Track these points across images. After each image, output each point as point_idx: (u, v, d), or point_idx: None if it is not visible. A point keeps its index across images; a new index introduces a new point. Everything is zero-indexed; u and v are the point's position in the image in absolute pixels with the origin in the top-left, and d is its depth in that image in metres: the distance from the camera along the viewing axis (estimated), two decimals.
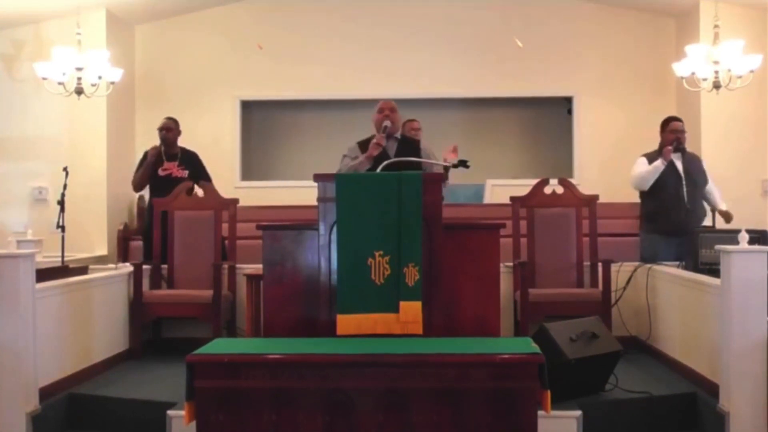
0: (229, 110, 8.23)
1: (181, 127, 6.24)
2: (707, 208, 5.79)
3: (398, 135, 4.53)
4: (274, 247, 3.43)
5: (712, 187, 5.77)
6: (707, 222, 5.82)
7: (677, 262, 5.17)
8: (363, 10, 8.13)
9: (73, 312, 4.47)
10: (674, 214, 5.53)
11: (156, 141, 6.12)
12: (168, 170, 6.05)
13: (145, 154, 6.14)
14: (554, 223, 5.41)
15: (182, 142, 6.31)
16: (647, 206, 5.74)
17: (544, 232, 5.39)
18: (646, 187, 5.63)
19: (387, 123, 4.38)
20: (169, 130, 6.10)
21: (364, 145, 4.42)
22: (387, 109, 4.46)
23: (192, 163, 6.10)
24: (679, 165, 5.59)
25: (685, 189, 5.55)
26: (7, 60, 7.43)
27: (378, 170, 3.89)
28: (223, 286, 5.27)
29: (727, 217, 5.74)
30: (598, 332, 4.05)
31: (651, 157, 5.66)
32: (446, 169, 4.10)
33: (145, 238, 6.17)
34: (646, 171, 5.60)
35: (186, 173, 5.99)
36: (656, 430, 3.94)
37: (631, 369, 4.46)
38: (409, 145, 4.50)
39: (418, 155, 4.34)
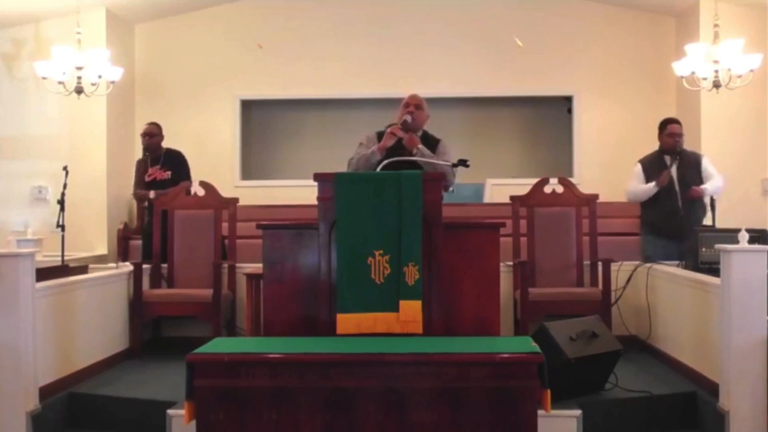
0: (229, 109, 8.22)
1: (182, 127, 6.27)
2: (707, 204, 5.82)
3: (420, 132, 4.40)
4: (274, 247, 3.42)
5: (710, 178, 5.74)
6: (707, 221, 5.84)
7: (677, 262, 5.18)
8: (363, 10, 8.13)
9: (73, 311, 4.47)
10: (671, 221, 5.61)
11: None
12: (152, 175, 6.19)
13: (138, 166, 6.37)
14: (554, 222, 5.41)
15: (182, 141, 6.32)
16: (645, 213, 5.86)
17: (544, 231, 5.39)
18: (639, 202, 5.84)
19: (407, 117, 4.28)
20: (152, 136, 6.19)
21: (381, 136, 4.31)
22: (412, 104, 4.38)
23: (174, 163, 6.16)
24: (674, 171, 5.63)
25: (678, 192, 5.60)
26: (7, 59, 7.43)
27: (378, 169, 3.89)
28: (223, 285, 5.28)
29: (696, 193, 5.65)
30: (598, 331, 4.05)
31: (646, 163, 5.74)
32: (454, 166, 4.08)
33: (145, 237, 6.20)
34: (641, 191, 5.75)
35: (168, 174, 6.07)
36: (656, 429, 3.95)
37: (631, 368, 4.46)
38: (428, 144, 4.37)
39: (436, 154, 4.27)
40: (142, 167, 6.35)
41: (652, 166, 5.71)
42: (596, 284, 5.22)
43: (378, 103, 7.94)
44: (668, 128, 5.73)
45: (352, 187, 3.29)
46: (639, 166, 5.81)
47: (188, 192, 5.61)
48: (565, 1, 8.08)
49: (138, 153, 7.03)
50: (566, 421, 3.65)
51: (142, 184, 6.30)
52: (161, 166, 6.14)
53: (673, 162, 5.64)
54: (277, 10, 8.15)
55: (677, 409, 4.02)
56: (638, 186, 5.76)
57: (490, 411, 2.82)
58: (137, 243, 6.74)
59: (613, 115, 8.02)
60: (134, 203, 7.55)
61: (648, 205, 5.78)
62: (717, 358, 3.86)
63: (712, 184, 5.70)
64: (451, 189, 4.23)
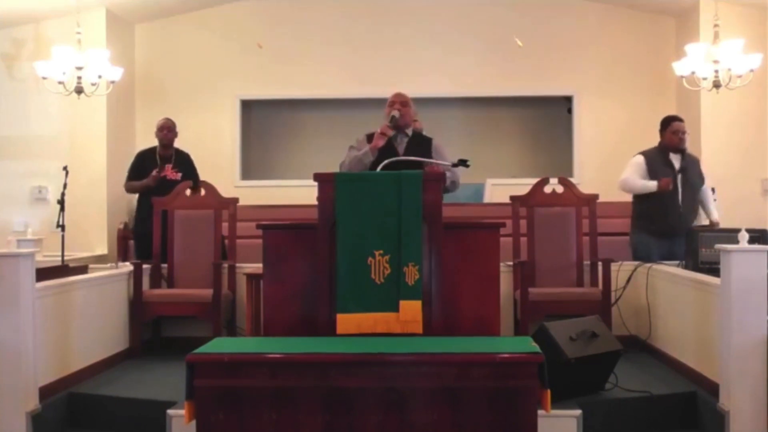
0: (229, 109, 8.23)
1: (182, 127, 6.25)
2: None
3: (409, 131, 4.41)
4: (274, 247, 3.42)
5: (708, 193, 5.76)
6: (706, 222, 5.83)
7: (677, 262, 5.18)
8: (363, 9, 8.14)
9: (73, 311, 4.47)
10: (669, 216, 5.51)
11: (154, 141, 6.16)
12: (164, 174, 6.05)
13: (140, 158, 6.17)
14: (554, 222, 5.41)
15: (183, 140, 6.31)
16: (641, 206, 5.69)
17: (544, 231, 5.39)
18: (631, 193, 5.72)
19: (395, 113, 4.27)
20: (170, 130, 6.14)
21: (372, 138, 4.31)
22: (398, 102, 4.37)
23: (185, 164, 6.12)
24: (677, 166, 5.57)
25: (680, 191, 5.52)
26: (8, 59, 7.43)
27: (379, 169, 3.88)
28: (223, 285, 5.28)
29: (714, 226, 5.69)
30: (598, 331, 4.05)
31: (650, 158, 5.60)
32: (454, 166, 4.07)
33: (137, 237, 6.19)
34: (640, 185, 5.57)
35: (179, 176, 6.01)
36: (656, 429, 3.94)
37: (630, 368, 4.46)
38: (420, 143, 4.38)
39: (429, 154, 4.27)
40: (147, 161, 6.10)
41: (656, 162, 5.56)
42: (596, 284, 5.21)
43: (378, 104, 7.85)
44: (673, 125, 5.59)
45: (352, 187, 3.29)
46: (642, 159, 5.60)
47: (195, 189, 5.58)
48: (565, 1, 8.08)
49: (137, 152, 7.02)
50: (566, 421, 3.65)
51: (140, 176, 6.07)
52: (173, 166, 6.08)
53: (679, 161, 5.58)
54: (277, 10, 8.16)
55: (677, 409, 4.02)
56: (638, 179, 5.56)
57: (490, 411, 2.82)
58: None
59: (613, 115, 8.02)
60: (134, 203, 7.53)
61: (645, 197, 5.59)
62: (717, 358, 3.86)
63: (713, 202, 5.74)
64: (457, 187, 4.24)
